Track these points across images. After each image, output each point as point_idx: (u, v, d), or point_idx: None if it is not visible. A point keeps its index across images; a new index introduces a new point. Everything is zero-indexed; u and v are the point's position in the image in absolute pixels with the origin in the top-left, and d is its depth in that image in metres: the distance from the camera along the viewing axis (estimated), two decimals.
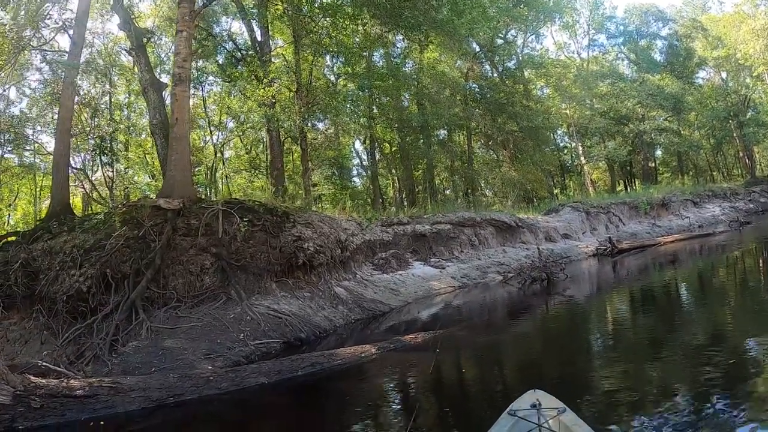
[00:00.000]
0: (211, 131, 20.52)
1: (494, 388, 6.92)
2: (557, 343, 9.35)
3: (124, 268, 10.64)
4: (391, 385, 7.30)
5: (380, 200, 26.18)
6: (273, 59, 20.15)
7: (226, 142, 25.81)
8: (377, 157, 32.00)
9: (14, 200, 22.40)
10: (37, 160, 20.82)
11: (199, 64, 21.94)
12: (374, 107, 22.40)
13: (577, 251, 20.99)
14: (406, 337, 8.99)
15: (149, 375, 7.58)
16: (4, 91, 19.08)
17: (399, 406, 6.42)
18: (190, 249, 11.26)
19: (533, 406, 4.18)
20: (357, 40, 17.96)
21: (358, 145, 32.60)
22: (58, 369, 8.50)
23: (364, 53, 19.06)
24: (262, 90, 17.91)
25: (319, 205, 25.33)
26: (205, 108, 20.19)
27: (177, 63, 12.15)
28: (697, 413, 5.07)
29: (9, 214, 22.22)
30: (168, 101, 14.14)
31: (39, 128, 20.71)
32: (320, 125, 29.99)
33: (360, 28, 17.80)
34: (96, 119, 15.04)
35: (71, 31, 12.90)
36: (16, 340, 10.83)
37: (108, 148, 15.68)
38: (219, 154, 25.04)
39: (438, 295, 16.05)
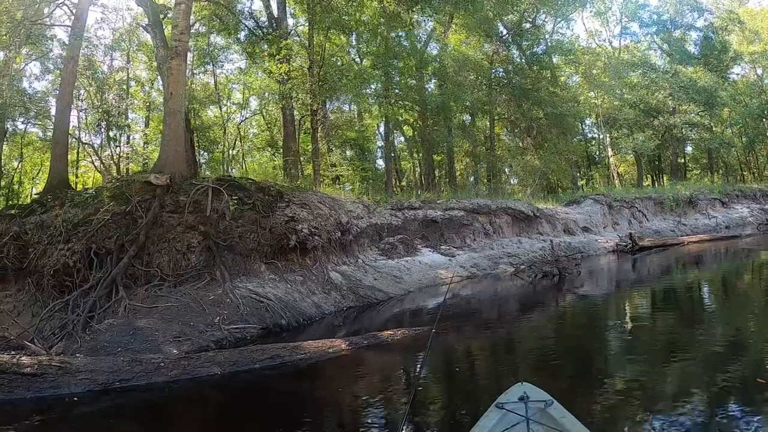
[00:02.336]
0: (221, 109, 20.29)
1: (480, 397, 6.27)
2: (559, 344, 8.62)
3: (108, 244, 10.47)
4: (357, 388, 6.59)
5: (393, 183, 25.55)
6: (293, 37, 19.70)
7: (245, 120, 25.64)
8: (401, 140, 31.45)
9: (37, 174, 22.89)
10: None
11: (217, 40, 21.62)
12: (393, 87, 21.68)
13: (596, 246, 19.96)
14: (383, 333, 8.37)
15: (99, 357, 7.33)
16: (25, 66, 19.41)
17: (360, 412, 5.83)
18: (177, 226, 11.00)
19: (521, 398, 4.13)
20: (369, 17, 17.20)
21: (383, 127, 31.99)
22: (27, 343, 8.40)
23: (379, 30, 18.25)
24: (274, 66, 17.50)
25: (337, 186, 24.97)
26: (216, 87, 19.91)
27: (174, 36, 11.81)
28: (708, 420, 4.74)
29: (32, 188, 22.73)
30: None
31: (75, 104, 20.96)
32: (345, 107, 29.64)
33: (376, 4, 17.08)
34: (102, 94, 14.94)
35: (74, 9, 12.71)
36: (9, 312, 10.90)
37: (114, 123, 15.63)
38: (238, 133, 24.90)
39: (444, 284, 15.41)
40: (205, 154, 26.42)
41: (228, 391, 6.52)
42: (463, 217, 18.87)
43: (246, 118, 25.30)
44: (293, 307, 10.56)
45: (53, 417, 6.07)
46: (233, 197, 11.15)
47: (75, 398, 6.35)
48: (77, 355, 8.25)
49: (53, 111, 21.39)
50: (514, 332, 9.60)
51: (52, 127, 21.52)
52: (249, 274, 11.12)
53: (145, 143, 23.25)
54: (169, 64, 11.66)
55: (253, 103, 28.74)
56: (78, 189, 14.14)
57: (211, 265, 10.78)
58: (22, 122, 19.82)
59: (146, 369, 6.74)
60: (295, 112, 21.54)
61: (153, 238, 10.78)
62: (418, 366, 6.95)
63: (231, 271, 10.83)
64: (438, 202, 18.97)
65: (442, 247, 18.10)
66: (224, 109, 25.28)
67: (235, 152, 25.04)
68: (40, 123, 19.70)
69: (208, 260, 10.82)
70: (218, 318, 9.33)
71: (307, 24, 19.90)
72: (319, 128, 18.80)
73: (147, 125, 23.69)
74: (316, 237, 12.44)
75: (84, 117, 17.24)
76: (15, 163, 21.16)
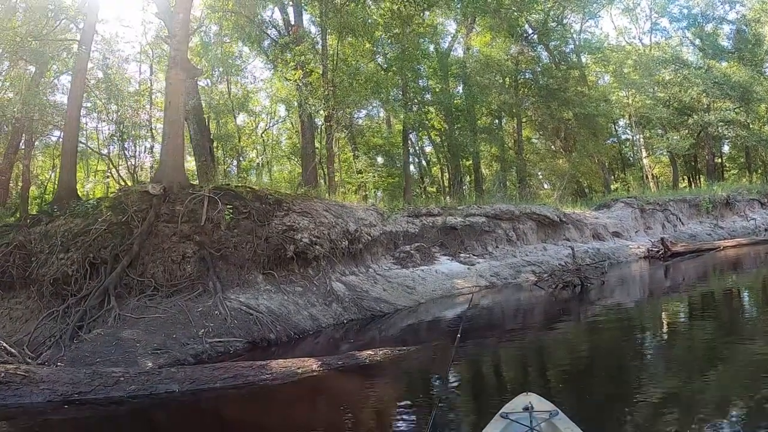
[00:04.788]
0: (235, 118, 20.34)
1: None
2: (571, 362, 7.83)
3: (104, 253, 10.47)
4: (319, 415, 6.09)
5: (421, 189, 24.99)
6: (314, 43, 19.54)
7: (269, 128, 25.72)
8: (429, 146, 30.80)
9: None
10: (91, 146, 21.73)
11: (232, 49, 21.78)
12: (411, 91, 21.21)
13: (627, 252, 18.79)
14: (361, 353, 7.79)
15: (62, 368, 7.21)
16: (54, 79, 20.13)
17: None
18: (172, 236, 10.88)
19: (525, 408, 4.11)
20: (381, 19, 16.79)
21: (413, 133, 31.38)
22: (11, 350, 8.41)
23: (397, 33, 17.77)
24: (288, 73, 17.38)
25: (363, 193, 24.63)
26: (230, 95, 20.00)
27: (173, 46, 11.79)
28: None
29: None
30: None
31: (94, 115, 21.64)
32: (374, 113, 29.30)
33: (389, 4, 16.68)
34: (117, 106, 15.23)
35: (81, 24, 12.95)
36: (18, 318, 11.12)
37: (128, 134, 15.90)
38: (262, 141, 25.00)
39: (460, 294, 14.79)
40: (234, 162, 26.67)
41: (179, 410, 6.24)
42: (485, 224, 18.12)
43: (268, 127, 25.39)
44: (285, 320, 10.20)
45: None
46: (228, 206, 10.94)
47: (66, 406, 6.27)
48: (58, 364, 8.21)
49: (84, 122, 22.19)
50: (524, 348, 8.97)
51: (83, 138, 22.35)
52: (244, 284, 10.87)
53: None
54: (168, 75, 11.64)
55: (282, 111, 28.89)
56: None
57: (204, 275, 10.61)
58: (56, 136, 20.52)
59: (105, 383, 6.55)
60: (317, 120, 21.40)
61: (148, 248, 10.70)
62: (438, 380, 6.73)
63: (225, 282, 10.61)
64: (458, 208, 18.32)
65: (462, 255, 17.41)
66: (248, 117, 25.50)
67: (260, 160, 25.17)
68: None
69: (202, 270, 10.65)
70: (203, 330, 9.10)
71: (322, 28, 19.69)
72: (335, 134, 18.46)
73: None
74: (317, 246, 12.09)
75: (108, 129, 17.68)
76: (49, 174, 21.95)
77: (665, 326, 9.91)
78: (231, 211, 10.93)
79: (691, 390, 5.70)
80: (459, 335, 5.27)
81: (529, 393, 4.46)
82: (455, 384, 6.79)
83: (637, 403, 5.45)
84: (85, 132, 21.59)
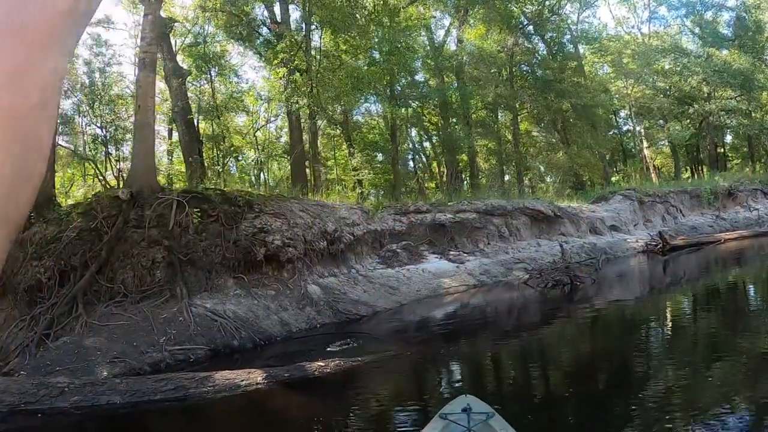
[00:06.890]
0: (219, 118, 20.23)
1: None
2: (534, 377, 7.44)
3: (74, 260, 10.47)
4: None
5: (421, 186, 24.67)
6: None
7: (262, 127, 25.57)
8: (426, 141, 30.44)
9: (69, 187, 23.91)
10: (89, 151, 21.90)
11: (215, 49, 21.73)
12: (398, 85, 20.91)
13: (624, 246, 18.31)
14: (311, 364, 7.47)
15: (12, 378, 7.24)
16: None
17: None
18: (141, 241, 10.83)
19: (464, 410, 4.20)
20: (368, 14, 16.52)
21: (413, 132, 31.03)
22: None
23: (385, 24, 17.43)
24: (273, 71, 17.25)
25: (359, 191, 24.39)
26: (213, 95, 19.91)
27: (142, 48, 11.68)
28: None
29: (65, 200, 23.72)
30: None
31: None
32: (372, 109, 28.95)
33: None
34: (96, 108, 15.24)
35: None
36: None
37: (111, 138, 15.92)
38: (255, 140, 24.89)
39: (447, 294, 14.56)
40: (230, 162, 26.60)
41: (116, 422, 6.15)
42: (476, 220, 17.80)
43: (262, 125, 25.28)
44: (252, 326, 10.07)
45: None
46: (196, 209, 10.84)
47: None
48: (21, 372, 8.24)
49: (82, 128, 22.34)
50: (487, 354, 8.80)
51: (81, 142, 22.53)
52: (213, 289, 10.78)
53: (170, 154, 23.81)
54: (138, 77, 11.56)
55: (278, 109, 28.71)
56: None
57: (172, 281, 10.53)
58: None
59: (50, 393, 6.53)
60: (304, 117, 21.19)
61: (117, 254, 10.67)
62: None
63: (193, 287, 10.54)
64: (448, 204, 18.00)
65: (451, 253, 17.13)
66: (245, 117, 25.51)
67: (253, 159, 25.15)
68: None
69: (170, 276, 10.58)
70: (164, 338, 9.02)
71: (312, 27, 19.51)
72: (325, 130, 18.29)
73: (170, 136, 24.17)
74: (289, 248, 11.94)
75: (102, 133, 17.68)
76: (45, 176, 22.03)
77: (650, 329, 9.59)
78: (198, 214, 10.83)
79: (681, 395, 5.64)
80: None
81: (468, 395, 4.56)
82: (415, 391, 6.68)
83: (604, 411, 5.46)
84: (83, 135, 21.87)
